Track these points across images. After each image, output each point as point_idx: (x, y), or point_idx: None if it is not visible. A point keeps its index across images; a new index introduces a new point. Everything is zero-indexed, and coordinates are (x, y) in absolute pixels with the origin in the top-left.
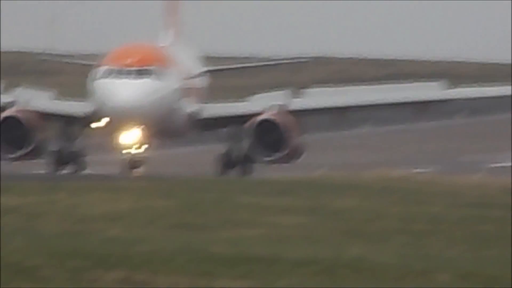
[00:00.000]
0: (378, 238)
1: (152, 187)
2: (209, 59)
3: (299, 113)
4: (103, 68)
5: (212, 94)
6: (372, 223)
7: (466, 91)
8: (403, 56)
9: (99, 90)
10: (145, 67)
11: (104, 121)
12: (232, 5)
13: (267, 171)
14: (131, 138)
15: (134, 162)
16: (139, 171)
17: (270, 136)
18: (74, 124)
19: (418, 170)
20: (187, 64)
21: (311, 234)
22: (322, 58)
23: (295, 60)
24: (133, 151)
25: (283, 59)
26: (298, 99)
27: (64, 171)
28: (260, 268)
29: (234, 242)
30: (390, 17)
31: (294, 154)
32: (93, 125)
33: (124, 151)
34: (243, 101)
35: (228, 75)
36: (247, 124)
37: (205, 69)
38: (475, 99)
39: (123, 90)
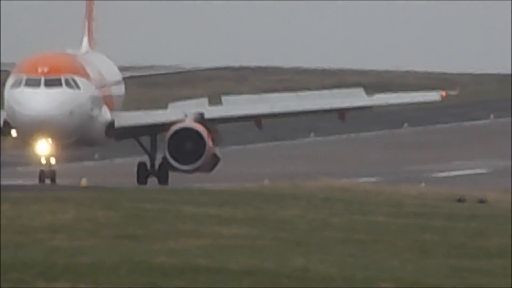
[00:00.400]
0: (321, 248)
1: (91, 198)
2: (128, 69)
3: (215, 121)
4: (14, 77)
5: (142, 104)
6: (315, 233)
7: (387, 97)
8: (347, 66)
9: (10, 100)
10: (56, 76)
11: (16, 131)
12: (161, 14)
13: (196, 180)
14: (43, 149)
15: (47, 173)
16: (55, 181)
17: (186, 145)
18: None
19: (361, 180)
20: (102, 72)
21: (254, 244)
22: (268, 68)
23: (213, 66)
24: (46, 161)
25: (203, 68)
26: (214, 107)
27: None
28: (204, 278)
29: (178, 253)
30: (336, 27)
31: (211, 163)
32: (5, 134)
33: (37, 162)
34: (161, 110)
35: (163, 86)
36: (164, 133)
37: (121, 77)
38: (398, 105)
39: (33, 100)
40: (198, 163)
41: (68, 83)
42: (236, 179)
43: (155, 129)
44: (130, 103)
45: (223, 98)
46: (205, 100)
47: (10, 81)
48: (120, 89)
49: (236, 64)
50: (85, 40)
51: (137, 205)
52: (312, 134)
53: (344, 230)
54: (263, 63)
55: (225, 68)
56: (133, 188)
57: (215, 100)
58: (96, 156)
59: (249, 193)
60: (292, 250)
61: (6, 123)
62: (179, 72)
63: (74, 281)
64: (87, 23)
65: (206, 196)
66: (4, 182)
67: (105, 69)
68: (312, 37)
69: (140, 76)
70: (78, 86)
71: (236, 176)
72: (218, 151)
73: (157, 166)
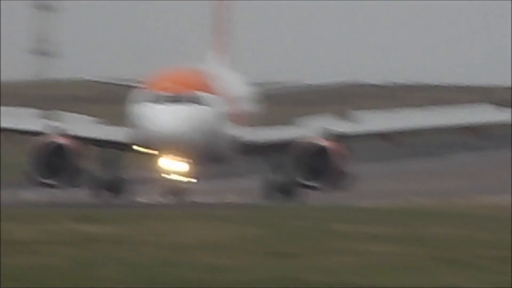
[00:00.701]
0: (473, 266)
1: (239, 215)
2: (259, 85)
3: (346, 138)
4: (145, 93)
5: (274, 120)
6: (466, 250)
7: None
8: (495, 82)
9: (140, 116)
10: (185, 93)
11: (146, 147)
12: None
13: (342, 197)
14: (174, 165)
15: (178, 189)
16: (188, 197)
17: (314, 162)
18: (116, 150)
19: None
20: (233, 89)
21: (405, 262)
22: (416, 85)
23: (339, 86)
24: (176, 177)
25: (333, 84)
26: (345, 123)
27: (105, 197)
28: None
29: (328, 270)
30: (487, 43)
31: (341, 181)
32: (136, 151)
33: (167, 178)
34: (290, 126)
35: (298, 103)
36: (292, 149)
37: (253, 93)
38: None
39: (165, 116)
40: (326, 180)
41: (197, 100)
42: (380, 196)
43: (283, 146)
44: (260, 119)
45: (353, 114)
46: (334, 117)
47: (139, 97)
48: (251, 106)
49: (381, 80)
50: (216, 57)
51: (287, 222)
52: (452, 150)
53: (497, 247)
54: (411, 80)
55: (372, 85)
56: (280, 205)
57: (348, 116)
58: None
59: (398, 210)
60: (444, 268)
61: (136, 139)
62: (322, 88)
63: None
64: (215, 39)
65: (354, 213)
66: (144, 200)
67: (235, 86)
68: (460, 52)
69: (283, 93)
70: (207, 103)
71: (380, 193)
72: (348, 168)
73: (285, 183)
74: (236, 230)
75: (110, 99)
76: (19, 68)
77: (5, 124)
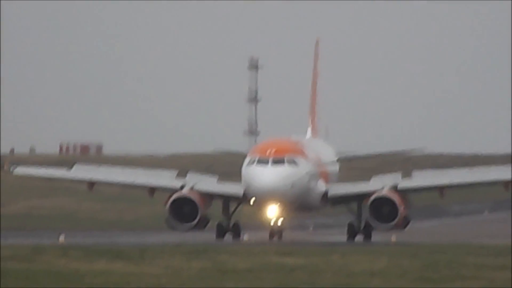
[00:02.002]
0: None
1: (398, 250)
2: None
3: (407, 191)
4: (249, 157)
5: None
6: None
7: None
8: None
9: (246, 175)
10: (280, 157)
11: (252, 200)
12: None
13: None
14: (272, 212)
15: (276, 231)
16: (281, 237)
17: (383, 209)
18: (232, 202)
19: None
20: (319, 154)
21: None
22: None
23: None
24: (275, 222)
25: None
26: (405, 180)
27: (225, 239)
28: None
29: None
30: None
31: (403, 224)
32: (245, 202)
33: (269, 222)
34: (366, 181)
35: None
36: (366, 200)
37: (337, 157)
38: None
39: (262, 175)
40: (393, 223)
41: (290, 162)
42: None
43: (360, 197)
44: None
45: (414, 172)
46: (399, 174)
47: (246, 160)
48: (335, 167)
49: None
50: (309, 129)
51: (433, 256)
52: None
53: None
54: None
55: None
56: (424, 241)
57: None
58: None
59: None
60: None
61: (244, 193)
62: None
63: None
64: (310, 117)
65: (479, 249)
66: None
67: (322, 151)
68: None
69: (351, 158)
70: (297, 164)
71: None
72: (408, 214)
73: (363, 226)
74: (392, 262)
75: None
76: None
77: (153, 183)
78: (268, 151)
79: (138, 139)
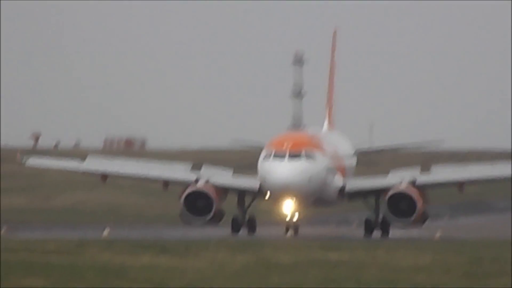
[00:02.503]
0: None
1: (442, 246)
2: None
3: (425, 186)
4: (266, 151)
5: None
6: None
7: None
8: None
9: (262, 169)
10: (297, 151)
11: (267, 194)
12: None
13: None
14: (288, 207)
15: (292, 226)
16: (298, 232)
17: (401, 205)
18: (248, 196)
19: None
20: (336, 147)
21: None
22: None
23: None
24: (291, 217)
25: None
26: (424, 175)
27: (244, 234)
28: None
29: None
30: None
31: (421, 220)
32: (261, 197)
33: (285, 217)
34: (384, 176)
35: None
36: (384, 195)
37: (354, 150)
38: None
39: (279, 170)
40: (411, 219)
41: (307, 156)
42: None
43: (377, 192)
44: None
45: (433, 167)
46: (417, 169)
47: (262, 154)
48: (352, 161)
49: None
50: (326, 122)
51: (479, 252)
52: None
53: None
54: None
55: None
56: (469, 237)
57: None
58: None
59: None
60: None
61: (260, 187)
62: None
63: None
64: (327, 110)
65: None
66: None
67: (339, 145)
68: None
69: (368, 152)
70: (314, 159)
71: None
72: (426, 209)
73: (381, 221)
74: (437, 257)
75: None
76: None
77: (167, 175)
78: (285, 145)
79: (183, 134)
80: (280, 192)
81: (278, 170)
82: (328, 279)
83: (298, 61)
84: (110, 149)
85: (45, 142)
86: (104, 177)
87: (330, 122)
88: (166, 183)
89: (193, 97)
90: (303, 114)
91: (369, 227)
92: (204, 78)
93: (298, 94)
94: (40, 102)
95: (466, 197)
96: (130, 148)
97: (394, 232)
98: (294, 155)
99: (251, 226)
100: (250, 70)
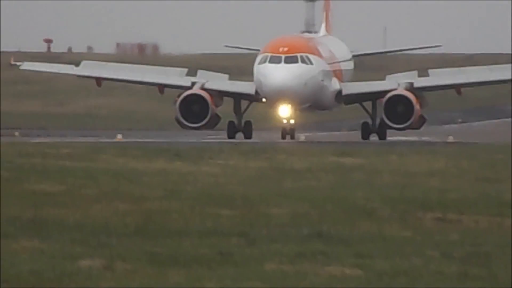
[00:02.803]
0: None
1: (455, 151)
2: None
3: (423, 89)
4: (261, 55)
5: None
6: None
7: None
8: None
9: (257, 73)
10: (293, 54)
11: (265, 99)
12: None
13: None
14: (284, 112)
15: (288, 131)
16: (294, 137)
17: (399, 108)
18: (244, 100)
19: None
20: (333, 51)
21: None
22: None
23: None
24: (287, 122)
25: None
26: (421, 78)
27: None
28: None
29: None
30: None
31: (418, 123)
32: (257, 101)
33: (281, 122)
34: (379, 81)
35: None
36: (380, 99)
37: (351, 54)
38: None
39: (275, 73)
40: (408, 122)
41: (303, 60)
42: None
43: (374, 96)
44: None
45: (430, 71)
46: (415, 73)
47: (258, 58)
48: (349, 65)
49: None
50: (323, 26)
51: (491, 156)
52: None
53: None
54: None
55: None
56: (482, 142)
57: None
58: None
59: None
60: None
61: (256, 92)
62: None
63: (444, 211)
64: (325, 13)
65: None
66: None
67: (336, 49)
68: None
69: (365, 54)
70: (311, 62)
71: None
72: (423, 113)
73: (378, 126)
74: (450, 162)
75: None
76: None
77: (161, 80)
78: (280, 49)
79: (196, 39)
80: (276, 96)
81: (274, 74)
82: (341, 184)
83: None
84: (123, 55)
85: (57, 47)
86: (99, 81)
87: (327, 26)
88: (161, 88)
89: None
90: (316, 18)
91: (366, 131)
92: None
93: None
94: (52, 7)
95: (479, 102)
96: (142, 52)
97: (398, 136)
98: (291, 59)
99: (247, 131)
100: None
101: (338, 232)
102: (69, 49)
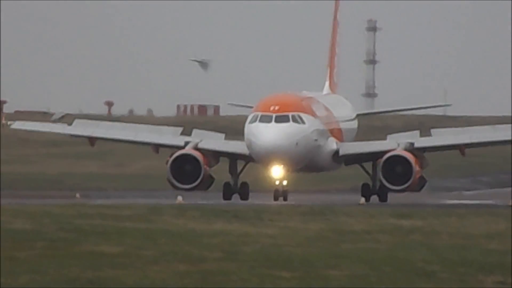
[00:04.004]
0: None
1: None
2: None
3: (424, 149)
4: (252, 114)
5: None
6: None
7: None
8: None
9: (248, 133)
10: (284, 113)
11: (257, 159)
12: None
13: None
14: (276, 173)
15: (281, 192)
16: (287, 199)
17: (397, 169)
18: (239, 160)
19: None
20: (334, 110)
21: None
22: None
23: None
24: (279, 183)
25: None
26: (423, 138)
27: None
28: None
29: None
30: None
31: (417, 185)
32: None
33: (274, 183)
34: (382, 140)
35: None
36: (380, 159)
37: (355, 114)
38: None
39: (264, 133)
40: (407, 184)
41: (294, 119)
42: None
43: (374, 156)
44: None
45: (432, 130)
46: (417, 132)
47: (249, 118)
48: (351, 125)
49: None
50: (327, 84)
51: None
52: None
53: None
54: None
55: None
56: None
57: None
58: None
59: None
60: None
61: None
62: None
63: (505, 275)
64: (328, 70)
65: None
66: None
67: (337, 108)
68: None
69: (371, 113)
70: (303, 121)
71: None
72: (423, 174)
73: (379, 187)
74: (509, 224)
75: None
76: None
77: (154, 140)
78: (271, 108)
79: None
80: (266, 156)
81: (263, 133)
82: (400, 246)
83: (372, 28)
84: (184, 116)
85: (118, 110)
86: (92, 140)
87: (331, 84)
88: (156, 148)
89: (266, 62)
90: (376, 80)
91: (366, 193)
92: (279, 41)
93: (371, 60)
94: (113, 70)
95: None
96: (203, 114)
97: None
98: (282, 118)
99: (244, 192)
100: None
101: None
102: (130, 111)
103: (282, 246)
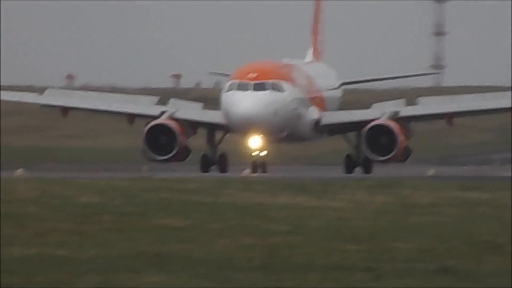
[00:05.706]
0: None
1: None
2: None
3: (409, 119)
4: (229, 82)
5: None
6: None
7: None
8: None
9: (224, 102)
10: (262, 81)
11: (231, 128)
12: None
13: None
14: (254, 143)
15: (259, 164)
16: (266, 171)
17: (381, 139)
18: (217, 131)
19: None
20: (317, 78)
21: None
22: None
23: (422, 72)
24: (257, 154)
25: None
26: (409, 107)
27: (214, 172)
28: None
29: None
30: None
31: (402, 155)
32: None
33: (252, 154)
34: (364, 109)
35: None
36: (363, 129)
37: (339, 82)
38: None
39: (241, 102)
40: (391, 154)
41: (273, 87)
42: None
43: (357, 126)
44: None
45: (418, 99)
46: (403, 101)
47: (226, 86)
48: (335, 93)
49: None
50: (310, 51)
51: None
52: None
53: None
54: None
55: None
56: None
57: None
58: None
59: None
60: None
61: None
62: None
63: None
64: (312, 37)
65: None
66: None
67: (319, 76)
68: None
69: (356, 82)
70: (282, 90)
71: None
72: (408, 144)
73: (362, 158)
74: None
75: None
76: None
77: (128, 109)
78: (249, 75)
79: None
80: (243, 126)
81: (240, 102)
82: (468, 219)
83: None
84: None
85: (186, 83)
86: (65, 110)
87: (315, 52)
88: (131, 118)
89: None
90: (445, 52)
91: (350, 164)
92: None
93: (440, 32)
94: (182, 41)
95: None
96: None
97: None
98: (259, 86)
99: (222, 164)
100: (390, 7)
101: (464, 267)
102: (197, 84)
103: (349, 219)
